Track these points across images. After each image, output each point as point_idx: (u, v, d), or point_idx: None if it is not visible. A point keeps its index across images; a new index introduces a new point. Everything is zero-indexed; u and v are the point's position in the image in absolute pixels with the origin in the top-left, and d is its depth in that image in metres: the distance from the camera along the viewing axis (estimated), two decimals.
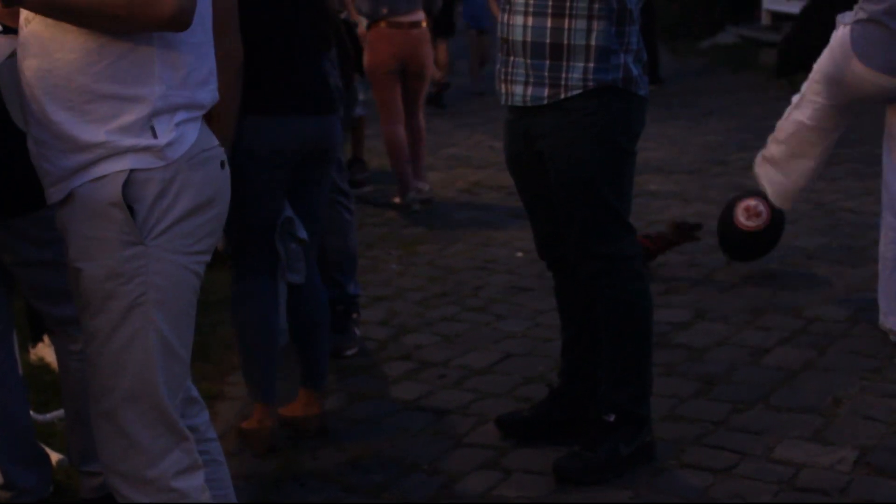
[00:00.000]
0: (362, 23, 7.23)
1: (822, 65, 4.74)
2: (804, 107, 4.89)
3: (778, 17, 14.94)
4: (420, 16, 7.26)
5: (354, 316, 4.97)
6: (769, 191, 5.29)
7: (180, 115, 2.48)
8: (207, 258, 2.59)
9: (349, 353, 4.80)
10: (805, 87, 4.89)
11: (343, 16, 5.14)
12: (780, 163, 5.13)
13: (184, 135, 2.49)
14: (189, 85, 2.50)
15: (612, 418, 3.70)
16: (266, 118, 3.72)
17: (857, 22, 4.54)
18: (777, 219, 5.69)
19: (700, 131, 9.94)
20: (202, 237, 2.55)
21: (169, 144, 2.45)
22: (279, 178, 3.79)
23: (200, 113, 2.55)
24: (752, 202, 5.67)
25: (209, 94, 2.58)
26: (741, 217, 5.65)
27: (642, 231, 6.06)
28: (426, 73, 7.41)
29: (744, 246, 5.74)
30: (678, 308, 5.25)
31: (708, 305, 5.28)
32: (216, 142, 2.62)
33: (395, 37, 7.14)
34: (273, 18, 3.76)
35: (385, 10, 7.12)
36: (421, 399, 4.35)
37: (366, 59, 7.23)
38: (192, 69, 2.50)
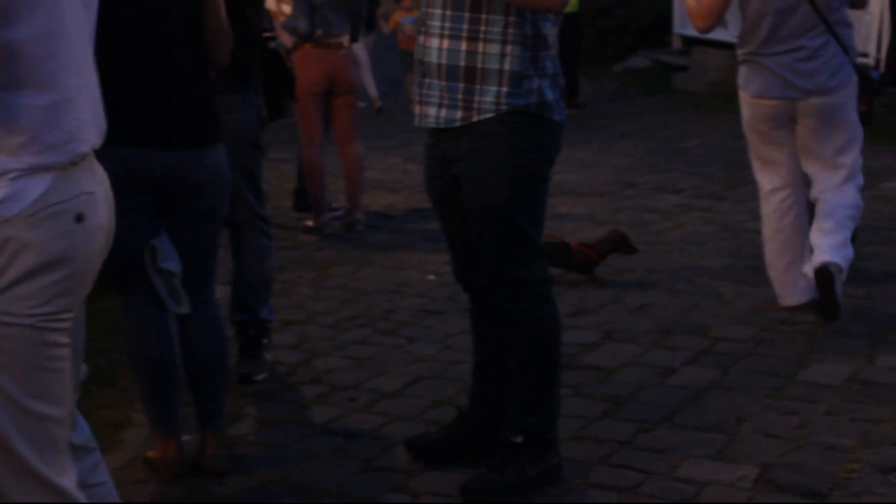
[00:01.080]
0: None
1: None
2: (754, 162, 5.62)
3: (688, 42, 15.18)
4: (346, 37, 7.30)
5: (266, 341, 4.96)
6: None
7: (14, 173, 2.29)
8: (65, 316, 2.41)
9: (259, 377, 4.78)
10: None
11: (274, 44, 5.12)
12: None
13: (21, 191, 2.30)
14: (31, 151, 2.30)
15: (519, 440, 3.72)
16: (119, 149, 3.50)
17: (740, 68, 5.48)
18: None
19: (612, 154, 10.05)
20: (51, 298, 2.36)
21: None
22: (138, 209, 3.65)
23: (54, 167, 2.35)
24: None
25: (69, 153, 2.37)
26: None
27: (581, 240, 6.16)
28: (354, 94, 7.43)
29: None
30: (587, 329, 5.31)
31: (617, 326, 5.35)
32: (79, 191, 2.40)
33: (322, 57, 7.17)
34: (134, 47, 3.64)
35: (320, 32, 7.15)
36: (330, 423, 4.35)
37: None
38: (35, 135, 2.30)
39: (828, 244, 5.17)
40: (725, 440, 4.05)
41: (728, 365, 4.80)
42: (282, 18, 7.22)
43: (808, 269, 5.27)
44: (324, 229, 7.38)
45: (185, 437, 4.01)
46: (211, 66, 3.85)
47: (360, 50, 12.80)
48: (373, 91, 13.05)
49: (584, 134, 10.85)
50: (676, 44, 15.72)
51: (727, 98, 13.07)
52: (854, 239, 5.43)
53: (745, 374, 4.69)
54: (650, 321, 5.42)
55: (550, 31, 3.60)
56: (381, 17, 12.68)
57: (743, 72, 5.44)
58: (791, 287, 5.51)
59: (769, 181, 5.51)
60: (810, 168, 5.42)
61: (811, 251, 5.27)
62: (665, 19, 15.98)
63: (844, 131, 5.34)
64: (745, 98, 5.45)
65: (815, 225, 5.32)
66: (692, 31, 15.06)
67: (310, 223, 7.48)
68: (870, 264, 6.22)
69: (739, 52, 5.44)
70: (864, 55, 12.14)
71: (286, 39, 7.25)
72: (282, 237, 7.32)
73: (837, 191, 5.34)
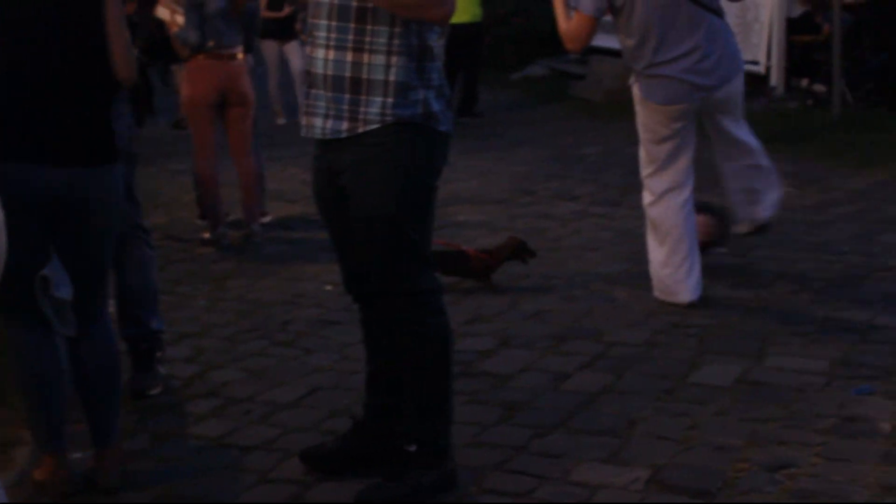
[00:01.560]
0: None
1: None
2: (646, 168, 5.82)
3: (585, 50, 15.27)
4: (240, 49, 7.26)
5: (158, 354, 4.91)
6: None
7: None
8: None
9: (153, 392, 4.73)
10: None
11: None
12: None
13: None
14: None
15: (413, 448, 3.74)
16: (4, 164, 3.51)
17: (638, 80, 5.63)
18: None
19: (509, 162, 10.12)
20: None
21: None
22: (25, 226, 3.57)
23: None
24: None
25: None
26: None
27: (479, 247, 6.20)
28: (248, 105, 7.37)
29: None
30: (483, 336, 5.34)
31: (512, 333, 5.39)
32: None
33: (215, 68, 7.11)
34: (17, 61, 3.60)
35: (212, 43, 7.08)
36: (226, 436, 4.32)
37: (184, 91, 7.19)
38: None
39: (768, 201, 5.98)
40: (618, 443, 4.11)
41: (621, 369, 4.87)
42: (175, 29, 7.16)
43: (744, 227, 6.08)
44: (220, 241, 7.33)
45: (77, 455, 3.96)
46: (113, 82, 3.79)
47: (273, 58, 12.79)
48: (277, 103, 13.01)
49: (482, 142, 10.91)
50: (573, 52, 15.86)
51: (623, 106, 13.18)
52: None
53: (638, 378, 4.76)
54: (546, 327, 5.47)
55: (436, 42, 3.63)
56: (300, 30, 12.64)
57: (643, 85, 5.59)
58: (685, 284, 5.66)
59: (664, 183, 5.65)
60: (719, 149, 5.86)
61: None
62: None
63: (741, 108, 5.76)
64: (649, 106, 5.59)
65: (744, 192, 5.95)
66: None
67: (206, 235, 7.42)
68: (760, 266, 6.36)
69: (635, 68, 5.59)
70: (755, 63, 12.40)
71: (180, 50, 7.20)
72: (178, 249, 7.27)
73: (750, 162, 5.88)
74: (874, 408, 4.36)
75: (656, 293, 5.76)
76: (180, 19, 7.15)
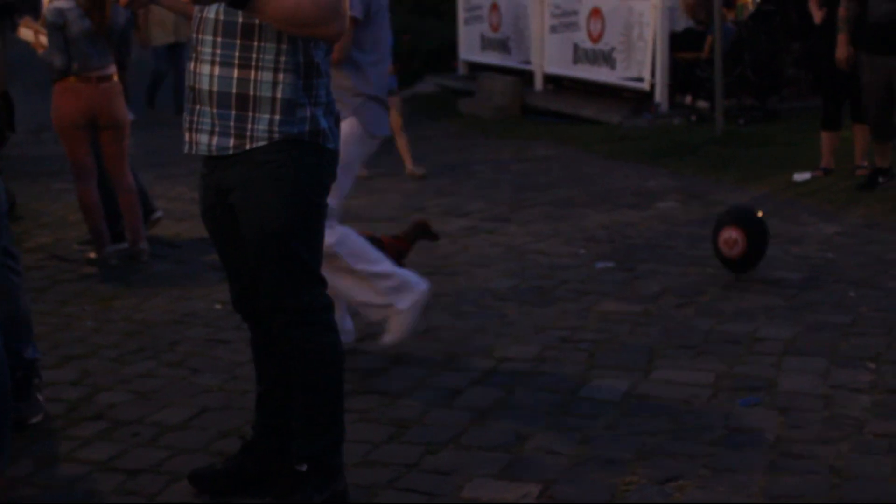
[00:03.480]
0: None
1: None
2: None
3: (474, 67, 15.45)
4: (111, 69, 7.12)
5: (36, 381, 4.76)
6: None
7: None
8: None
9: (34, 420, 4.62)
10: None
11: None
12: None
13: None
14: None
15: (304, 468, 3.71)
16: None
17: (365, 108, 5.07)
18: (756, 244, 6.45)
19: (399, 179, 10.14)
20: None
21: None
22: None
23: None
24: (730, 234, 6.40)
25: None
26: (723, 248, 6.45)
27: (388, 234, 6.20)
28: (121, 127, 7.24)
29: (733, 268, 6.52)
30: (375, 354, 5.33)
31: (404, 350, 5.38)
32: None
33: (82, 91, 6.97)
34: None
35: (76, 66, 6.94)
36: (113, 460, 4.24)
37: (53, 114, 7.05)
38: None
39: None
40: (509, 459, 4.13)
41: (512, 384, 4.90)
42: (41, 51, 7.01)
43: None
44: (107, 261, 7.21)
45: None
46: None
47: None
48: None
49: (372, 159, 10.87)
50: (462, 69, 15.98)
51: (512, 122, 13.39)
52: None
53: (529, 393, 4.80)
54: (437, 344, 5.48)
55: (323, 59, 3.62)
56: None
57: (370, 114, 5.11)
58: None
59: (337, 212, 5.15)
60: None
61: None
62: (451, 45, 16.23)
63: None
64: (371, 140, 5.19)
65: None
66: (478, 57, 15.37)
67: (92, 255, 7.30)
68: (647, 280, 6.45)
69: (363, 93, 5.06)
70: (640, 79, 12.62)
71: (50, 72, 7.04)
72: (64, 269, 7.14)
73: None
74: (759, 419, 4.45)
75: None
76: (44, 39, 7.00)
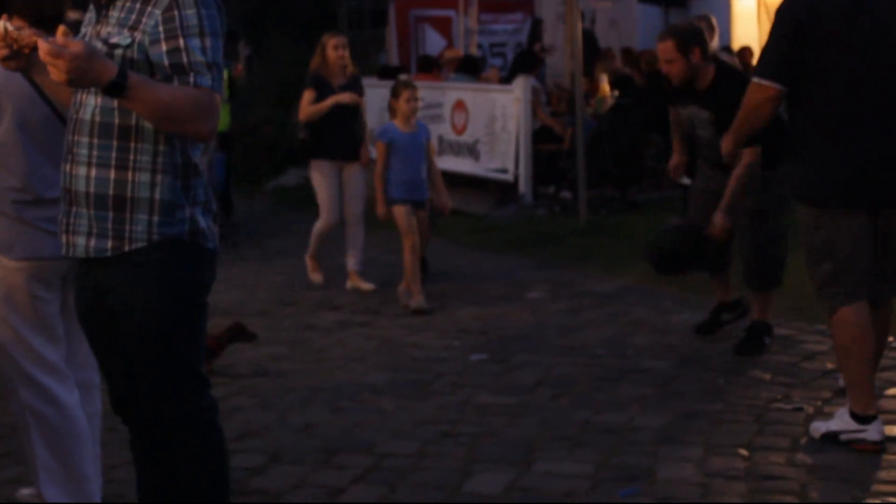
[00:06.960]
0: None
1: None
2: None
3: None
4: None
5: None
6: None
7: None
8: None
9: None
10: None
11: None
12: None
13: None
14: None
15: None
16: None
17: None
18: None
19: (269, 272, 10.10)
20: None
21: None
22: None
23: None
24: None
25: None
26: None
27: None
28: None
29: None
30: (253, 453, 5.27)
31: (282, 448, 5.33)
32: None
33: None
34: None
35: None
36: None
37: None
38: None
39: None
40: None
41: (395, 481, 4.89)
42: None
43: None
44: None
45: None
46: None
47: None
48: None
49: (240, 252, 10.84)
50: None
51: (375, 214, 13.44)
52: None
53: (412, 489, 4.79)
54: (316, 440, 5.44)
55: (200, 159, 3.63)
56: None
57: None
58: None
59: None
60: None
61: None
62: None
63: None
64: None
65: None
66: None
67: None
68: (520, 373, 6.51)
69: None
70: (504, 171, 12.82)
71: None
72: None
73: None
74: None
75: None
76: None
